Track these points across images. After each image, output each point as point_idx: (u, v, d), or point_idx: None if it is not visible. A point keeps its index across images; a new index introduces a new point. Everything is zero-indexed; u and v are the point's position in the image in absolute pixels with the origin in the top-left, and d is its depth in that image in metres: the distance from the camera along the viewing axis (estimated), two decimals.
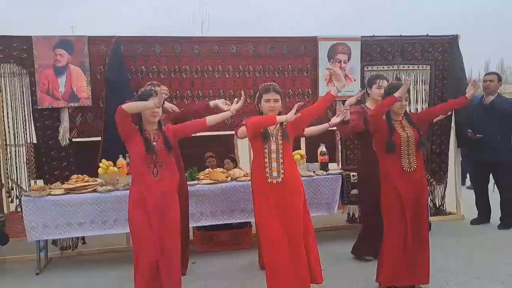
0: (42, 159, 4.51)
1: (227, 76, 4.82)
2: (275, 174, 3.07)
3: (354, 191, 4.54)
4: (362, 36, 5.09)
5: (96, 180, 4.27)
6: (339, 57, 5.02)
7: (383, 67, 5.16)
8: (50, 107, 4.42)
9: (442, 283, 3.54)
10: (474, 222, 5.18)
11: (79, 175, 4.25)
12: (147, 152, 3.01)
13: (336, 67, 4.93)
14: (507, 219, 4.98)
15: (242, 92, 3.41)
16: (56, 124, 4.48)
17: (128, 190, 4.00)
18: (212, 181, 4.34)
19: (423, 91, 5.30)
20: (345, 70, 5.03)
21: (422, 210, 3.33)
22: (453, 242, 4.55)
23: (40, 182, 4.52)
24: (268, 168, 3.08)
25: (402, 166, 3.28)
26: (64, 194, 4.06)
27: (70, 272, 4.17)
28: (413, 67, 5.25)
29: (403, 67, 5.22)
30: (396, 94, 3.19)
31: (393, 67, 5.19)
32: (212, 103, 3.81)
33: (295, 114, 3.00)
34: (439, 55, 5.27)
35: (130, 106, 2.97)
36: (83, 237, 4.50)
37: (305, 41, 5.00)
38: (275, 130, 3.12)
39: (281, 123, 3.13)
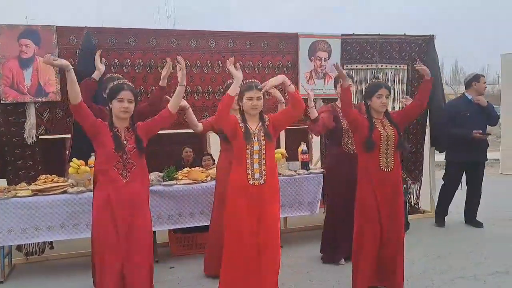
0: (6, 158, 4.16)
1: (205, 71, 4.64)
2: (257, 175, 2.94)
3: None
4: (342, 34, 5.04)
5: (65, 181, 4.00)
6: (319, 55, 4.95)
7: (362, 66, 5.14)
8: (14, 101, 4.09)
9: (428, 282, 3.53)
10: (438, 220, 5.24)
11: (47, 175, 3.95)
12: (117, 150, 2.77)
13: (317, 65, 4.91)
14: (472, 215, 5.15)
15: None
16: (21, 120, 4.15)
17: None
18: (191, 181, 4.16)
19: (400, 90, 5.32)
20: (325, 68, 4.97)
21: (398, 210, 3.29)
22: (431, 240, 4.59)
23: (3, 183, 4.17)
24: (250, 170, 2.93)
25: (379, 165, 3.23)
26: (31, 195, 3.77)
27: (37, 280, 3.88)
28: (391, 66, 5.25)
29: (381, 66, 5.21)
30: (343, 84, 3.17)
31: (371, 65, 5.17)
32: (161, 82, 3.67)
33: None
34: (416, 54, 5.29)
35: (70, 92, 2.72)
36: (51, 241, 4.20)
37: (285, 37, 4.89)
38: (257, 129, 2.98)
39: (263, 122, 3.01)
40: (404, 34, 5.30)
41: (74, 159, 3.96)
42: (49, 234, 3.78)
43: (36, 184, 3.85)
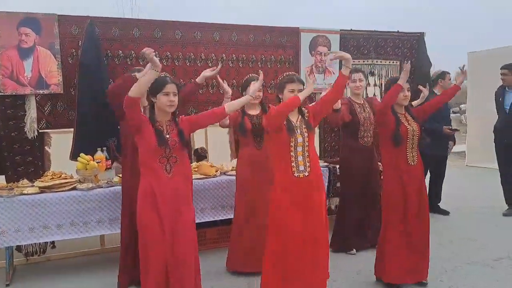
0: (4, 153, 3.91)
1: (209, 64, 4.55)
2: (301, 168, 2.94)
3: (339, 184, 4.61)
4: (341, 30, 5.13)
5: (72, 177, 3.84)
6: (319, 49, 5.01)
7: (358, 61, 5.24)
8: (14, 93, 3.85)
9: (441, 270, 3.69)
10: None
11: (54, 171, 3.78)
12: (159, 145, 2.68)
13: (317, 59, 4.97)
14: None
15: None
16: (20, 113, 3.92)
17: (113, 187, 3.76)
18: (202, 176, 4.11)
19: None
20: (325, 63, 5.04)
21: (424, 204, 3.40)
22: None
23: (1, 179, 3.94)
24: (294, 162, 2.93)
25: (407, 159, 3.33)
26: (38, 193, 3.59)
27: (42, 281, 3.70)
28: (385, 62, 5.41)
29: (377, 61, 5.36)
30: (400, 81, 3.21)
31: (367, 61, 5.30)
32: (199, 79, 3.67)
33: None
34: (408, 51, 5.49)
35: (135, 89, 2.59)
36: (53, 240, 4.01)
37: (287, 31, 4.91)
38: (298, 122, 2.99)
39: (303, 115, 3.02)
40: (398, 31, 5.47)
41: (82, 155, 3.80)
42: (58, 232, 3.62)
43: (43, 181, 3.66)
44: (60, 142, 4.26)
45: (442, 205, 5.51)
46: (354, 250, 4.12)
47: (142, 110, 3.41)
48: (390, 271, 3.35)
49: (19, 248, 3.96)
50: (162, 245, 2.65)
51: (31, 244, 3.94)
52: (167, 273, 2.66)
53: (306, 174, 2.94)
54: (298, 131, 2.95)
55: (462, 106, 16.72)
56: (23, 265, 4.03)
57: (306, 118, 3.03)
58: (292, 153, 2.94)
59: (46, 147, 4.11)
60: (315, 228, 2.95)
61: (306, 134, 2.97)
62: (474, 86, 9.75)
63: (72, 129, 4.05)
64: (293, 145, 2.93)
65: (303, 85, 3.02)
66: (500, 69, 5.31)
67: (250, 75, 3.81)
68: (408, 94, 3.35)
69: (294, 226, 2.88)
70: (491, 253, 4.05)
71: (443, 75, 5.35)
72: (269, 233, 2.97)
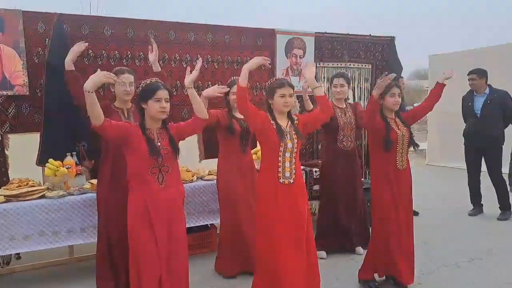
0: None
1: (184, 65, 4.42)
2: (287, 174, 2.90)
3: (316, 187, 4.61)
4: (315, 32, 5.12)
5: (40, 184, 3.62)
6: (295, 52, 4.98)
7: (332, 64, 5.26)
8: None
9: (419, 273, 3.74)
10: None
11: (21, 178, 3.54)
12: (151, 154, 2.57)
13: (293, 61, 4.95)
14: None
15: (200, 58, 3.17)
16: None
17: (84, 195, 3.59)
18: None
19: (365, 89, 5.55)
20: (300, 65, 5.01)
21: (411, 207, 3.46)
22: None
23: None
24: (281, 168, 2.89)
25: (396, 164, 3.35)
26: (4, 202, 3.36)
27: None
28: (358, 65, 5.45)
29: (350, 65, 5.39)
30: (373, 94, 3.22)
31: (341, 64, 5.33)
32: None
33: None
34: (379, 54, 5.57)
35: (92, 116, 2.44)
36: None
37: (263, 33, 4.85)
38: (287, 128, 2.94)
39: (292, 121, 2.97)
40: (370, 34, 5.52)
41: (51, 160, 3.59)
42: (26, 244, 3.40)
43: (8, 189, 3.42)
44: (20, 145, 4.00)
45: None
46: (325, 253, 4.12)
47: (126, 113, 3.26)
48: (380, 270, 3.42)
49: None
50: (155, 258, 2.56)
51: None
52: (160, 281, 2.57)
53: (291, 181, 2.91)
54: (288, 136, 2.91)
55: (415, 105, 17.31)
56: None
57: (296, 125, 2.98)
58: (280, 158, 2.89)
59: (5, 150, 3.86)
60: (300, 233, 2.92)
61: (295, 141, 2.93)
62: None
63: (38, 133, 3.82)
64: (282, 149, 2.89)
65: (293, 89, 2.97)
66: (468, 74, 5.44)
67: (234, 77, 3.75)
68: (399, 99, 3.36)
69: (279, 232, 2.84)
70: (464, 254, 4.17)
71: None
72: (257, 237, 2.94)
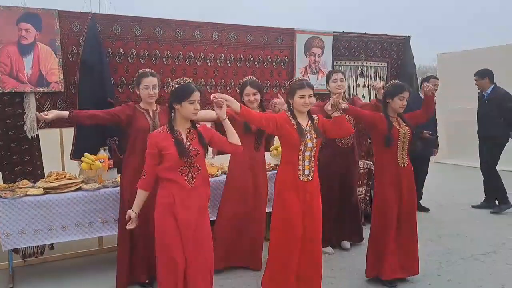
0: (1, 152, 3.79)
1: (208, 64, 4.58)
2: (306, 172, 3.05)
3: None
4: (334, 32, 5.26)
5: (76, 177, 3.77)
6: (314, 51, 5.13)
7: (349, 63, 5.41)
8: (13, 91, 3.73)
9: (437, 265, 3.91)
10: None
11: (58, 171, 3.70)
12: (181, 157, 2.63)
13: (311, 60, 5.08)
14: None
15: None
16: (17, 111, 3.80)
17: (118, 187, 3.72)
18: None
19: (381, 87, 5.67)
20: (318, 64, 5.16)
21: (413, 204, 3.57)
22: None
23: None
24: (301, 166, 3.03)
25: (397, 161, 3.47)
26: (43, 194, 3.51)
27: (41, 283, 3.64)
28: (374, 64, 5.60)
29: (366, 63, 5.53)
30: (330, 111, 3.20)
31: (357, 62, 5.47)
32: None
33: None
34: (395, 53, 5.71)
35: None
36: None
37: (283, 32, 4.99)
38: (308, 127, 3.07)
39: (313, 121, 3.10)
40: (386, 34, 5.66)
41: (87, 154, 3.74)
42: (63, 234, 3.55)
43: (46, 181, 3.58)
44: (55, 140, 4.17)
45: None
46: (331, 248, 4.26)
47: (151, 114, 3.41)
48: (386, 269, 3.49)
49: (16, 250, 3.85)
50: (182, 251, 2.66)
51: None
52: (185, 276, 2.69)
53: (310, 178, 3.06)
54: (308, 135, 3.03)
55: None
56: (20, 267, 3.92)
57: (316, 124, 3.11)
58: (300, 157, 3.03)
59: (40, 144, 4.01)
60: (313, 230, 3.09)
61: (315, 140, 3.05)
62: (442, 86, 10.20)
63: (72, 128, 3.97)
64: (302, 148, 3.02)
65: (313, 89, 3.08)
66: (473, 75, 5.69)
67: (247, 78, 3.86)
68: (405, 103, 3.46)
69: (295, 227, 3.01)
70: (478, 248, 4.32)
71: (427, 78, 5.56)
72: (272, 231, 3.10)
